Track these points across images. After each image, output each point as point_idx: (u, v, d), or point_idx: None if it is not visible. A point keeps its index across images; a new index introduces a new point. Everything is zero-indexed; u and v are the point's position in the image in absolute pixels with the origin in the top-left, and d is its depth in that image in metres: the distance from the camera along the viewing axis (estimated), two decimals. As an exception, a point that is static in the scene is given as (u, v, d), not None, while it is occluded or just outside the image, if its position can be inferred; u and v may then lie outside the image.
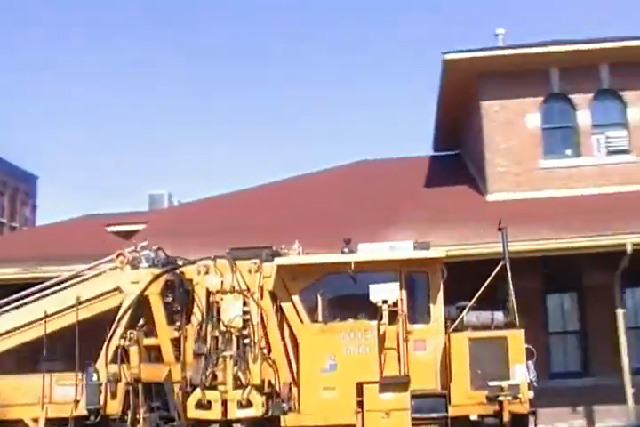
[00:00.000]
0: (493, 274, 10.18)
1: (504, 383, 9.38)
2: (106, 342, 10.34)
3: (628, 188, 16.39)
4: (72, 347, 10.38)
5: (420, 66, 44.46)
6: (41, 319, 10.52)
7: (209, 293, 10.19)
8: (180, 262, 10.63)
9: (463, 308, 10.28)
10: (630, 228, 13.85)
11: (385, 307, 9.78)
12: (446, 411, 9.55)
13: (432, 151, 22.54)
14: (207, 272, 10.29)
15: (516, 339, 9.64)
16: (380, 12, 47.63)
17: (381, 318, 9.75)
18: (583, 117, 17.21)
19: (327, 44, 49.62)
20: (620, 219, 14.02)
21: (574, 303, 16.52)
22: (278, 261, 10.13)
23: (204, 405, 9.65)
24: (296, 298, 10.22)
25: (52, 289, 10.84)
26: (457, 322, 9.97)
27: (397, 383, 9.54)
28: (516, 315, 9.83)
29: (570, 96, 17.24)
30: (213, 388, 9.71)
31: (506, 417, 9.36)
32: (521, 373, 9.51)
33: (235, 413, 9.59)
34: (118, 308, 10.52)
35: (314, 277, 10.22)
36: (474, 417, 9.51)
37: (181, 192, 39.64)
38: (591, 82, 17.19)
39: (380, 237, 12.20)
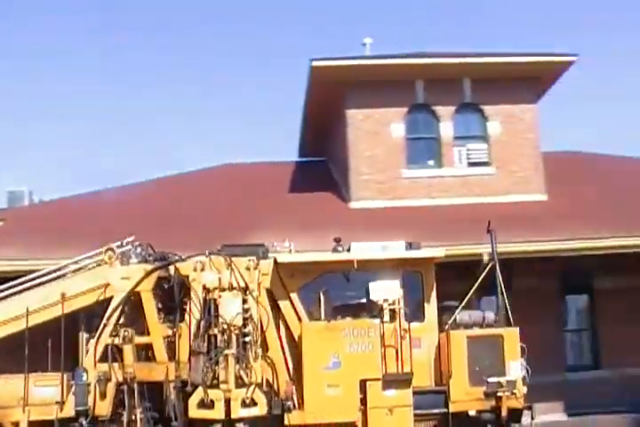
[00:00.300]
0: (483, 275, 10.57)
1: (502, 379, 9.75)
2: (94, 340, 9.91)
3: (487, 199, 16.94)
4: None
5: (292, 72, 44.98)
6: (21, 315, 9.97)
7: (206, 290, 9.96)
8: (171, 259, 10.32)
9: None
10: (488, 238, 13.89)
11: (386, 305, 9.93)
12: (446, 407, 9.79)
13: (298, 157, 22.72)
14: (203, 269, 10.04)
15: (512, 337, 10.04)
16: (253, 15, 47.76)
17: (383, 317, 9.88)
18: (446, 129, 17.67)
19: (194, 45, 49.11)
20: (479, 229, 14.09)
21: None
22: (280, 258, 10.07)
23: (206, 404, 9.39)
24: (294, 296, 10.20)
25: (32, 283, 10.30)
26: (451, 320, 10.27)
27: (400, 380, 9.68)
28: (510, 314, 10.23)
29: (434, 108, 17.66)
30: (215, 387, 9.48)
31: (504, 412, 9.73)
32: (516, 369, 9.90)
33: (238, 412, 9.38)
34: (98, 303, 10.14)
35: (312, 276, 10.25)
36: (472, 413, 9.81)
37: (44, 190, 37.92)
38: (454, 95, 17.68)
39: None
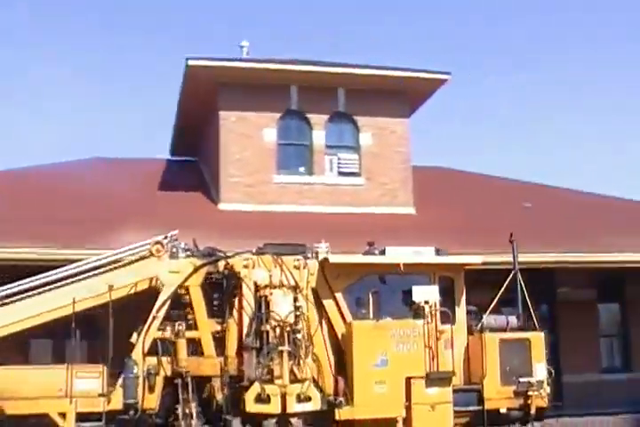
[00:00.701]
0: (506, 283, 11.31)
1: (532, 380, 10.48)
2: (143, 334, 9.84)
3: (356, 209, 17.20)
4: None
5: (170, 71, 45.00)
6: (68, 306, 9.75)
7: (256, 287, 10.12)
8: (219, 254, 10.39)
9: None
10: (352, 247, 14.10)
11: (427, 307, 10.45)
12: (480, 405, 10.41)
13: (170, 155, 22.35)
14: (254, 266, 10.21)
15: (538, 341, 10.81)
16: (131, 13, 47.24)
17: (425, 318, 10.39)
18: (318, 137, 17.73)
19: (77, 40, 48.05)
20: (346, 238, 14.14)
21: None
22: (332, 258, 10.38)
23: (263, 399, 9.55)
24: (339, 295, 10.51)
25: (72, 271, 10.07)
26: (480, 324, 10.93)
27: (442, 379, 10.20)
28: (535, 320, 11.02)
29: (307, 115, 17.73)
30: (269, 382, 9.65)
31: (532, 410, 10.46)
32: (541, 371, 10.67)
33: (293, 407, 9.60)
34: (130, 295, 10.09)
35: (355, 277, 10.62)
36: (503, 410, 10.48)
37: None
38: (328, 104, 17.79)
39: (103, 241, 12.55)
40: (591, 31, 54.02)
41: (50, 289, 9.82)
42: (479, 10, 51.07)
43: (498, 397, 10.47)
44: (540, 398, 10.54)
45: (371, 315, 10.36)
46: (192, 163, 21.03)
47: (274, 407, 9.56)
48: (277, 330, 9.93)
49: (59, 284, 9.84)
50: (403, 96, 18.20)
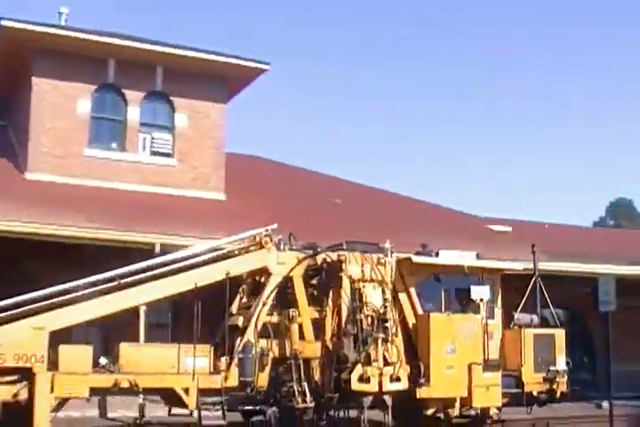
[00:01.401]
0: (530, 287, 13.36)
1: (560, 368, 12.59)
2: (254, 318, 10.84)
3: (166, 190, 17.21)
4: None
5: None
6: (190, 291, 10.57)
7: (352, 280, 11.42)
8: (319, 249, 11.57)
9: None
10: (160, 228, 14.54)
11: (482, 304, 12.25)
12: (518, 388, 12.36)
13: None
14: (349, 262, 11.49)
15: (560, 336, 12.95)
16: None
17: (480, 313, 12.18)
18: (133, 114, 17.48)
19: None
20: (153, 219, 14.69)
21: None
22: (415, 258, 11.91)
23: (364, 379, 10.87)
24: (412, 290, 12.06)
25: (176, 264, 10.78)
26: (513, 321, 12.91)
27: (494, 365, 12.04)
28: (557, 319, 13.15)
29: (124, 90, 17.45)
30: (368, 364, 11.00)
31: (558, 394, 12.57)
32: (562, 362, 12.80)
33: (387, 386, 11.04)
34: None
35: (425, 275, 12.22)
36: (535, 393, 12.50)
37: None
38: (146, 81, 17.61)
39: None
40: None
41: (167, 274, 10.50)
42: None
43: (532, 382, 12.50)
44: (563, 384, 12.68)
45: (442, 308, 12.00)
46: (1, 127, 19.56)
47: (373, 386, 10.94)
48: (370, 319, 11.30)
49: (173, 269, 10.54)
50: (221, 81, 18.32)
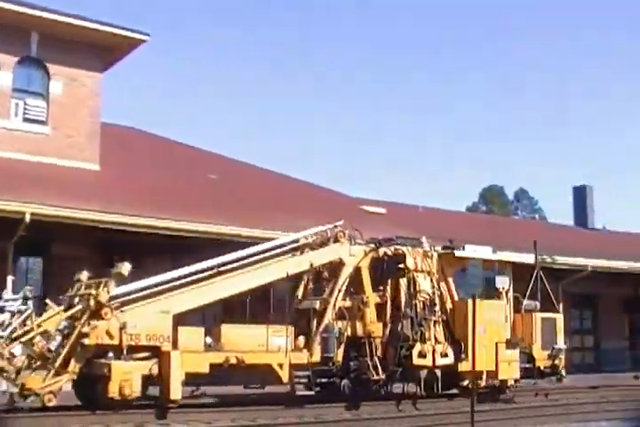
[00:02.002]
0: (533, 278, 15.54)
1: (562, 346, 14.89)
2: (332, 303, 12.45)
3: (39, 158, 16.98)
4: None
5: None
6: (282, 279, 12.07)
7: (408, 270, 13.20)
8: (382, 243, 13.28)
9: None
10: (31, 197, 14.29)
11: (503, 292, 14.34)
12: (532, 363, 14.56)
13: None
14: (407, 255, 13.25)
15: (560, 320, 15.25)
16: None
17: (505, 300, 14.26)
18: (5, 79, 17.03)
19: None
20: (23, 187, 14.41)
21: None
22: (457, 253, 13.82)
23: (422, 355, 12.72)
24: (450, 279, 13.97)
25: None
26: (523, 307, 15.07)
27: (515, 344, 14.17)
28: (556, 305, 15.45)
29: None
30: (424, 342, 12.85)
31: (560, 368, 14.88)
32: (561, 341, 15.12)
33: (439, 361, 12.94)
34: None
35: (460, 266, 14.17)
36: (542, 367, 14.74)
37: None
38: (20, 46, 17.16)
39: None
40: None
41: (258, 263, 11.94)
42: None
43: (540, 358, 14.72)
44: (562, 360, 15.01)
45: (476, 295, 13.97)
46: None
47: (428, 361, 12.83)
48: (422, 304, 13.15)
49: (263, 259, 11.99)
50: (98, 50, 18.20)
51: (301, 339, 12.11)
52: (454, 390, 13.72)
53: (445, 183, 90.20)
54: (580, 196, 35.12)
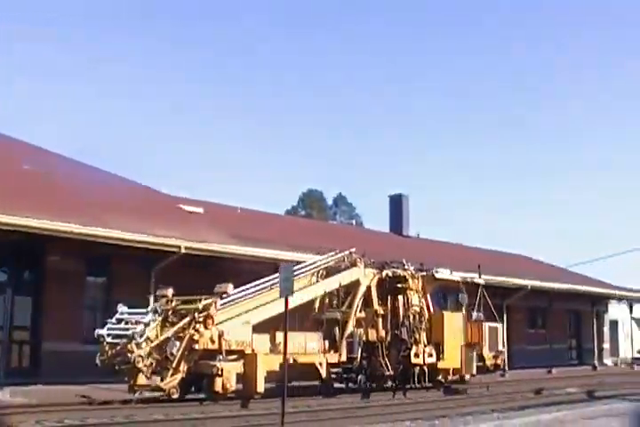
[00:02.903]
0: (478, 295, 19.54)
1: (501, 349, 18.98)
2: (352, 315, 15.70)
3: None
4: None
5: None
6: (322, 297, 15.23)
7: (403, 289, 16.70)
8: (385, 267, 16.68)
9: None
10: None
11: (464, 306, 18.21)
12: (482, 361, 18.50)
13: None
14: (404, 276, 16.75)
15: (500, 328, 19.35)
16: None
17: (465, 311, 18.13)
18: None
19: None
20: None
21: None
22: (437, 275, 17.48)
23: (417, 355, 16.24)
24: (428, 295, 17.62)
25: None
26: (472, 316, 19.01)
27: (472, 346, 18.03)
28: (497, 316, 19.54)
29: None
30: (417, 345, 16.37)
31: (501, 366, 18.99)
32: (501, 345, 19.23)
33: (427, 360, 16.55)
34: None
35: (435, 285, 17.87)
36: (488, 365, 18.74)
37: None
38: None
39: None
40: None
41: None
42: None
43: (488, 358, 18.72)
44: (501, 360, 19.12)
45: (448, 308, 17.74)
46: None
47: (421, 360, 16.39)
48: (413, 315, 16.69)
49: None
50: None
51: (326, 343, 15.22)
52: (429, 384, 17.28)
53: (266, 187, 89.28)
54: (396, 204, 35.66)
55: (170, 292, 13.70)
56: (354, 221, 57.42)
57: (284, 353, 11.91)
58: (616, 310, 37.87)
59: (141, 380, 12.68)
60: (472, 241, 52.32)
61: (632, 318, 36.89)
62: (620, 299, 35.94)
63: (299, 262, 15.55)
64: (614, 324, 39.17)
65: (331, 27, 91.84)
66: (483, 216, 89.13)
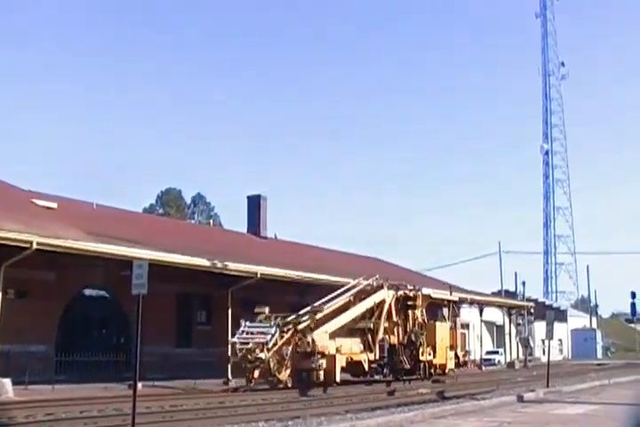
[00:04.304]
0: (450, 308, 25.67)
1: (468, 349, 25.19)
2: (381, 325, 21.34)
3: None
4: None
5: None
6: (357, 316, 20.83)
7: (413, 305, 22.54)
8: (400, 288, 22.43)
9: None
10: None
11: (447, 317, 24.28)
12: (457, 359, 24.62)
13: None
14: (413, 295, 22.58)
15: (466, 333, 25.56)
16: None
17: (450, 321, 24.19)
18: None
19: None
20: None
21: None
22: (433, 294, 23.42)
23: (423, 354, 22.11)
24: (424, 309, 23.52)
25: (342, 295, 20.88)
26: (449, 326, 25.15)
27: (452, 347, 24.12)
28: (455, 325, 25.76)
29: None
30: (422, 346, 22.24)
31: (468, 362, 25.21)
32: (468, 346, 25.41)
33: (428, 358, 22.51)
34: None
35: (428, 301, 23.82)
36: (460, 361, 24.90)
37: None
38: None
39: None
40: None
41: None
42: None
43: (461, 356, 24.91)
44: (468, 357, 25.39)
45: (438, 319, 23.73)
46: None
47: (426, 358, 22.29)
48: (418, 324, 22.56)
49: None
50: None
51: (361, 346, 20.77)
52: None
53: (124, 183, 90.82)
54: (254, 205, 34.89)
55: (267, 309, 18.84)
56: (211, 221, 56.73)
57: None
58: (467, 314, 37.96)
59: (256, 374, 17.77)
60: (330, 243, 52.41)
61: (482, 321, 37.92)
62: (471, 303, 35.43)
63: (156, 260, 16.39)
64: (466, 327, 40.05)
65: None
66: (345, 219, 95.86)
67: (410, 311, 22.65)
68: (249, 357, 17.59)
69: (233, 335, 18.88)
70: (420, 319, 22.83)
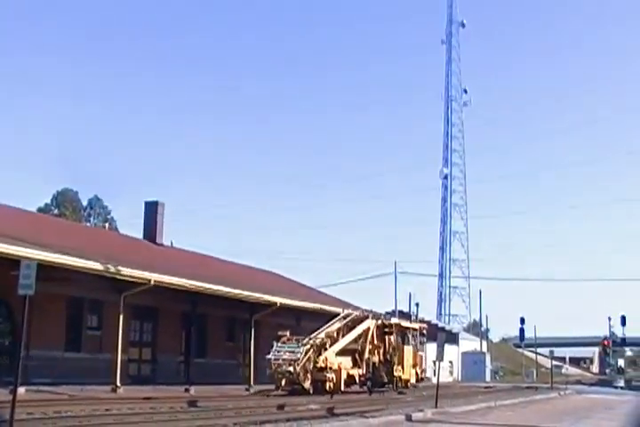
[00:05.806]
0: (411, 335, 31.95)
1: (424, 367, 31.53)
2: (367, 347, 27.38)
3: None
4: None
5: None
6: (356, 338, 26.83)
7: (389, 332, 28.66)
8: (381, 317, 28.52)
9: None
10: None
11: (411, 341, 30.56)
12: (417, 375, 30.91)
13: None
14: (389, 324, 28.71)
15: (423, 354, 31.89)
16: None
17: (410, 344, 30.46)
18: None
19: None
20: None
21: None
22: (402, 323, 29.66)
23: (397, 371, 28.22)
24: (395, 335, 29.67)
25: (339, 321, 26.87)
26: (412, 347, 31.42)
27: (415, 365, 30.41)
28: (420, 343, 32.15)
29: None
30: (396, 365, 28.36)
31: (424, 378, 31.56)
32: (423, 365, 31.77)
33: (399, 374, 28.70)
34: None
35: (398, 328, 30.02)
36: (418, 377, 31.21)
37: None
38: None
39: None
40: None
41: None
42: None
43: (418, 373, 31.22)
44: (424, 373, 31.78)
45: (406, 344, 29.96)
46: None
47: (399, 374, 28.47)
48: (392, 347, 28.71)
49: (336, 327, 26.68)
50: None
51: (351, 363, 26.65)
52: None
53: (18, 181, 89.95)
54: (151, 211, 34.31)
55: (287, 333, 24.57)
56: (107, 225, 56.65)
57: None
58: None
59: (283, 383, 23.44)
60: (226, 254, 50.70)
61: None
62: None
63: (46, 262, 16.52)
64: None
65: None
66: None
67: (386, 336, 28.74)
68: (279, 369, 23.21)
69: (124, 341, 21.54)
70: (393, 343, 28.94)
